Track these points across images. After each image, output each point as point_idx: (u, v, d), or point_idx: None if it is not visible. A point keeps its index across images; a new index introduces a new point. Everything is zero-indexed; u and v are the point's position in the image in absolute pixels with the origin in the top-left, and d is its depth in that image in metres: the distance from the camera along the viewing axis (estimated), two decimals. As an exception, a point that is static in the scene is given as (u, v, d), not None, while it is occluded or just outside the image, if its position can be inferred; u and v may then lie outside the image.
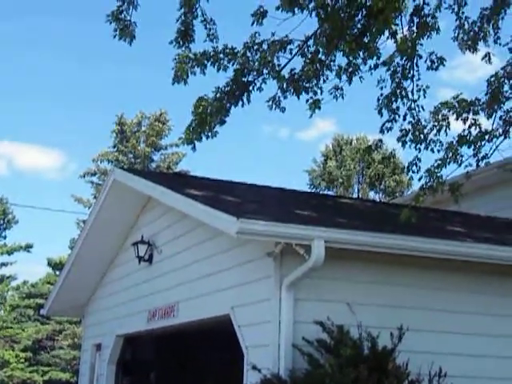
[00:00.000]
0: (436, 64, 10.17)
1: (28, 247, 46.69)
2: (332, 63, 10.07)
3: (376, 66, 10.25)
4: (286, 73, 10.06)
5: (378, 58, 10.18)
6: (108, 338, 13.63)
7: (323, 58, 10.00)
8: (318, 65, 9.98)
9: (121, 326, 13.16)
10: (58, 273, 39.79)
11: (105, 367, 13.55)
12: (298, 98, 10.03)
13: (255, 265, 8.63)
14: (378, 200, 38.76)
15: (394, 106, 10.27)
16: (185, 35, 10.22)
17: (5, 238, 48.15)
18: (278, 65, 9.97)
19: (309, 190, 39.06)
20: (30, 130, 68.96)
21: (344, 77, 10.12)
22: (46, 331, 39.61)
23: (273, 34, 9.84)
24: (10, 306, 46.44)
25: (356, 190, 45.86)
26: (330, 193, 43.05)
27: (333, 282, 8.34)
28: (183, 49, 10.22)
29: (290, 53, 9.97)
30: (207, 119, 9.79)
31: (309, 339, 7.63)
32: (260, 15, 9.78)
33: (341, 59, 10.08)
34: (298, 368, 7.57)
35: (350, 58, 10.02)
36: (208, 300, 9.83)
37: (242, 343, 8.68)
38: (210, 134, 9.96)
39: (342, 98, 10.29)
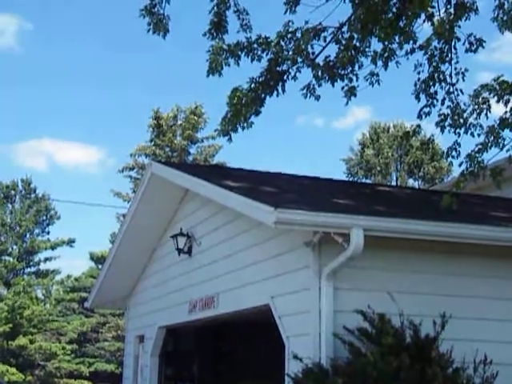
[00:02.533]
0: (475, 46, 9.97)
1: (70, 242, 47.44)
2: (367, 49, 9.97)
3: (412, 51, 10.10)
4: (320, 60, 10.00)
5: (415, 42, 10.04)
6: (150, 329, 13.76)
7: (358, 44, 9.90)
8: (352, 51, 9.88)
9: (162, 318, 13.26)
10: (100, 266, 40.30)
11: (148, 358, 13.69)
12: (333, 85, 9.96)
13: (294, 255, 8.61)
14: (417, 187, 38.36)
15: (432, 90, 10.12)
16: (218, 26, 10.20)
17: (48, 233, 49.08)
18: (313, 53, 9.91)
19: (346, 179, 38.86)
20: (69, 127, 69.98)
21: (380, 62, 10.01)
22: (91, 324, 40.22)
23: (306, 22, 9.78)
24: (55, 300, 47.27)
25: (394, 178, 45.47)
26: (368, 181, 42.77)
27: (372, 271, 8.26)
28: (217, 40, 10.20)
29: (325, 40, 9.90)
30: (242, 110, 9.78)
31: (350, 328, 7.59)
32: (293, 3, 9.72)
33: (376, 45, 9.98)
34: (339, 357, 7.53)
35: (386, 43, 9.89)
36: (247, 291, 9.84)
37: (282, 333, 8.68)
38: (245, 124, 9.95)
39: (378, 84, 10.19)
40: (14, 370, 35.20)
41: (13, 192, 48.01)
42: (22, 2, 64.87)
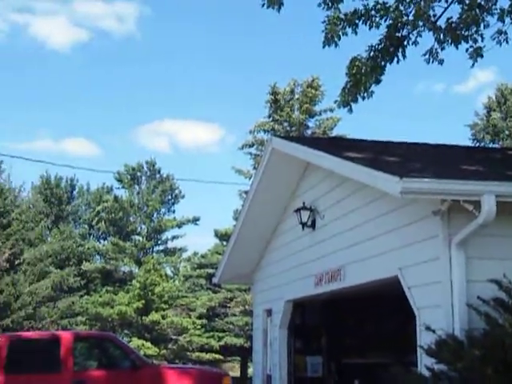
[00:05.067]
0: None
1: (195, 220, 48.68)
2: (493, 7, 9.49)
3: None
4: (442, 23, 9.64)
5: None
6: (277, 303, 13.91)
7: (483, 2, 9.44)
8: (477, 10, 9.44)
9: (289, 292, 13.36)
10: (224, 243, 41.14)
11: (277, 331, 13.85)
12: (457, 47, 9.59)
13: (421, 224, 8.40)
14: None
15: None
16: (333, -5, 10.03)
17: (174, 212, 50.63)
18: (434, 15, 9.57)
19: (472, 145, 37.48)
20: (189, 107, 71.60)
21: (508, 20, 9.50)
22: (218, 299, 41.18)
23: (427, -16, 9.44)
24: (183, 277, 48.76)
25: (524, 142, 43.39)
26: (496, 146, 41.06)
27: (505, 239, 7.93)
28: (332, 10, 10.04)
29: (446, 1, 9.53)
30: (362, 79, 9.63)
31: (484, 298, 7.33)
32: (412, -35, 9.40)
33: (503, 1, 9.49)
34: (474, 328, 7.31)
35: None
36: (374, 262, 9.72)
37: (412, 304, 8.52)
38: (365, 94, 9.80)
39: (507, 42, 9.69)
40: (148, 344, 36.73)
41: (139, 174, 49.73)
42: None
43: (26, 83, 72.42)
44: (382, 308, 13.19)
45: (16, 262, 29.93)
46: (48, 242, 45.29)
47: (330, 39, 9.84)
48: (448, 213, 7.81)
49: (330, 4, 10.04)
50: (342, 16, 9.82)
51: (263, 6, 10.24)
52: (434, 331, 7.47)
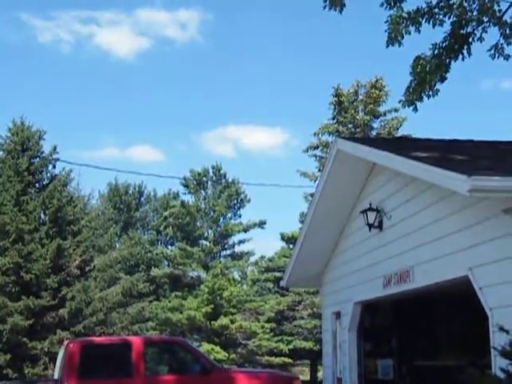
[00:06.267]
0: None
1: (262, 224, 48.82)
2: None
3: None
4: (508, 17, 9.46)
5: None
6: (346, 305, 13.85)
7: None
8: (544, 4, 9.25)
9: (357, 294, 13.30)
10: (291, 246, 41.13)
11: (346, 334, 13.80)
12: (524, 42, 9.38)
13: (491, 223, 8.26)
14: None
15: None
16: (396, -6, 9.97)
17: (240, 216, 50.86)
18: (499, 10, 9.39)
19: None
20: (251, 112, 72.00)
21: None
22: (287, 302, 41.18)
23: (491, -21, 9.28)
24: (251, 281, 49.00)
25: None
26: None
27: None
28: (395, 9, 9.97)
29: (512, -5, 9.34)
30: (427, 78, 9.53)
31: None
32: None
33: None
34: (550, 328, 7.13)
35: None
36: (444, 262, 9.59)
37: (484, 305, 8.37)
38: (430, 92, 9.70)
39: None
40: (218, 348, 37.02)
41: (204, 179, 50.20)
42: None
43: (90, 93, 74.19)
44: (453, 309, 13.01)
45: (86, 269, 30.57)
46: (117, 248, 46.20)
47: (394, 38, 9.78)
48: (519, 210, 7.66)
49: (392, 3, 9.97)
50: (404, 15, 9.75)
51: (325, 8, 10.24)
52: (507, 332, 7.30)
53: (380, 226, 12.03)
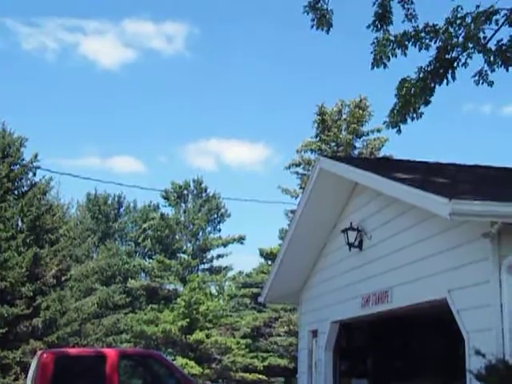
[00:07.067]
0: None
1: (241, 239, 48.80)
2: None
3: None
4: (492, 45, 9.58)
5: None
6: (324, 324, 13.84)
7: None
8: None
9: (335, 313, 13.30)
10: (269, 262, 41.13)
11: (322, 353, 13.78)
12: (507, 69, 9.51)
13: (471, 246, 8.33)
14: None
15: None
16: (382, 18, 10.09)
17: (219, 230, 50.83)
18: (484, 37, 9.51)
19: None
20: (234, 126, 72.14)
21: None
22: (263, 319, 41.11)
23: (477, 7, 9.41)
24: (228, 296, 48.85)
25: None
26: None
27: (559, 263, 7.80)
28: (381, 32, 10.08)
29: (496, 23, 9.48)
30: (411, 100, 9.62)
31: (536, 323, 7.21)
32: (462, -13, 9.38)
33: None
34: (526, 353, 7.19)
35: None
36: (422, 284, 9.64)
37: (461, 328, 8.42)
38: (414, 115, 9.78)
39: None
40: (192, 363, 36.80)
41: (185, 192, 50.15)
42: (189, 10, 67.78)
43: (75, 101, 73.93)
44: (431, 330, 13.03)
45: (63, 279, 30.34)
46: (95, 258, 45.89)
47: (379, 60, 9.88)
48: (498, 235, 7.73)
49: (379, 26, 10.08)
50: (391, 38, 9.86)
51: (312, 27, 10.34)
52: (483, 355, 7.35)
53: (360, 246, 12.06)
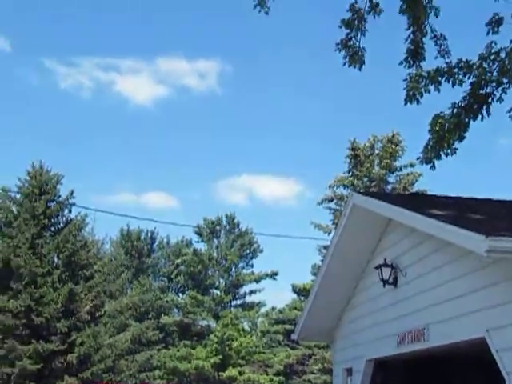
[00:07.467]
0: None
1: (274, 275, 48.65)
2: None
3: None
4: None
5: None
6: (358, 362, 13.64)
7: None
8: None
9: (370, 351, 13.11)
10: (302, 298, 40.87)
11: (357, 392, 13.56)
12: (543, 104, 9.43)
13: (508, 284, 8.16)
14: None
15: None
16: (415, 54, 10.08)
17: (252, 266, 50.75)
18: (519, 72, 9.45)
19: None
20: (266, 162, 72.41)
21: None
22: (296, 356, 40.76)
23: (511, 41, 9.36)
24: (261, 332, 48.55)
25: None
26: None
27: None
28: (414, 68, 10.08)
29: (531, 57, 9.41)
30: (445, 136, 9.55)
31: None
32: (495, 23, 9.37)
33: None
34: None
35: None
36: (460, 323, 9.46)
37: (501, 368, 8.22)
38: (449, 151, 9.70)
39: None
40: (225, 399, 36.59)
41: (218, 227, 50.29)
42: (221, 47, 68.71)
43: (108, 139, 74.97)
44: (469, 370, 12.75)
45: (97, 314, 30.50)
46: (128, 294, 46.05)
47: (412, 96, 9.86)
48: (537, 273, 7.59)
49: (411, 62, 10.09)
50: (424, 74, 9.85)
51: (344, 64, 10.37)
52: (524, 396, 7.19)
53: (395, 283, 11.92)
